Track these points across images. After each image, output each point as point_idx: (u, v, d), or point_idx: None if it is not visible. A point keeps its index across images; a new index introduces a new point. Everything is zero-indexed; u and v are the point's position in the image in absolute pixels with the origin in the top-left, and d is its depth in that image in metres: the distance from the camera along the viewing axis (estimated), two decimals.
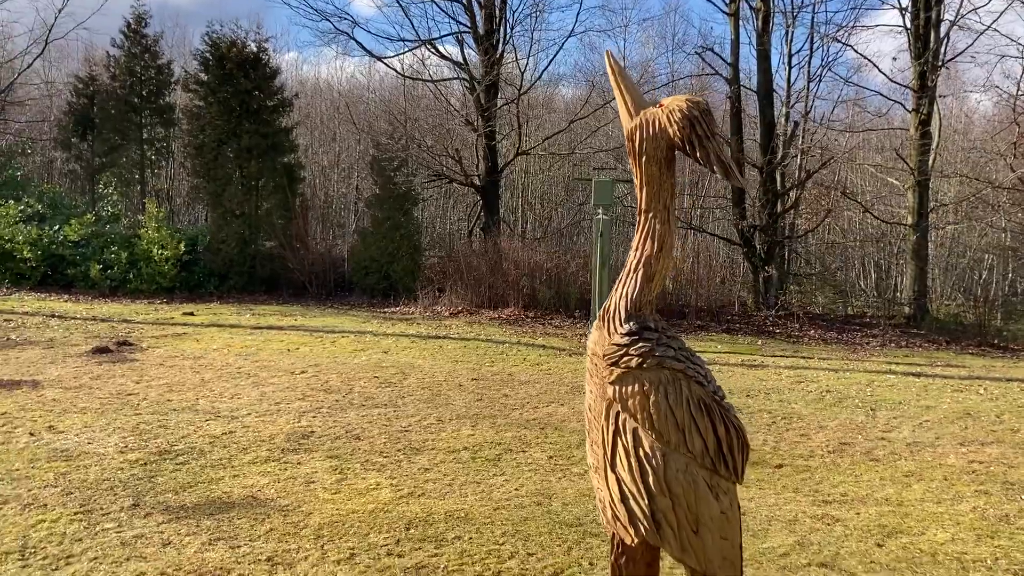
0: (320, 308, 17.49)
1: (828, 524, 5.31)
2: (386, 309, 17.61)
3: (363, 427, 7.47)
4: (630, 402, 2.25)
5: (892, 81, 20.31)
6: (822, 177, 20.99)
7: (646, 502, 2.18)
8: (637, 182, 2.35)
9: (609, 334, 2.29)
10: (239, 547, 4.58)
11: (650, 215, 2.33)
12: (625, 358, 2.23)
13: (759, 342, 15.59)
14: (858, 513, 5.55)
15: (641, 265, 2.31)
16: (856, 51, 37.57)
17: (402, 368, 10.58)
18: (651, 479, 2.17)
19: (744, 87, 20.79)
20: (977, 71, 60.10)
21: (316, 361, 10.81)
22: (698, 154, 2.24)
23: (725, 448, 2.20)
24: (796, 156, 20.32)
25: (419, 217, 22.22)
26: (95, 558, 4.36)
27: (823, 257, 23.77)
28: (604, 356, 2.26)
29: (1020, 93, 18.90)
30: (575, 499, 5.66)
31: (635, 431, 2.24)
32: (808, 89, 21.24)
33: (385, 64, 23.31)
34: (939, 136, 20.51)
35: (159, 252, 18.14)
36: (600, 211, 14.38)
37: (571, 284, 18.21)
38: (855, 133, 22.80)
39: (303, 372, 10.02)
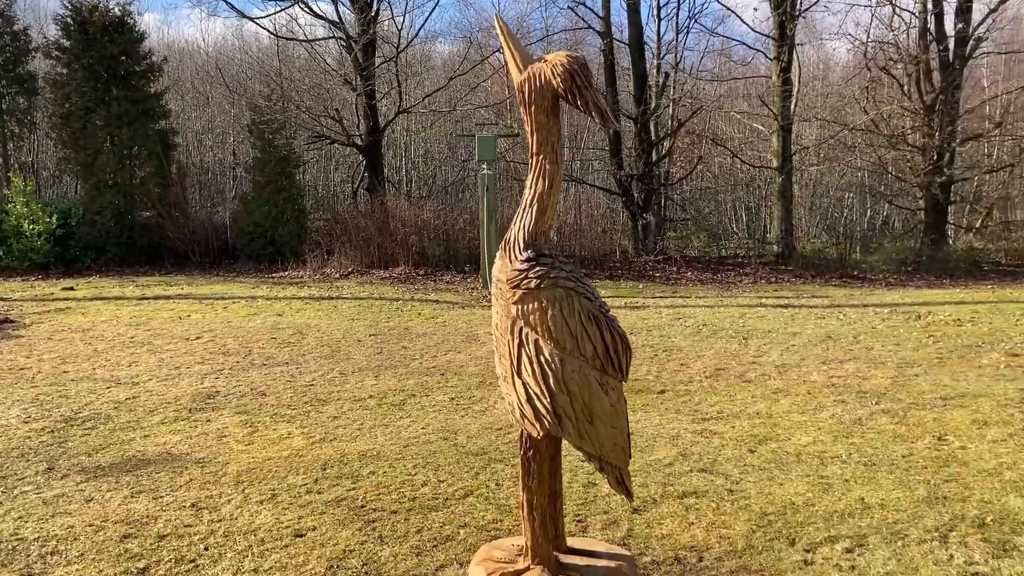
0: (206, 276, 17.27)
1: (706, 437, 5.90)
2: (275, 274, 17.54)
3: (267, 384, 7.66)
4: (531, 317, 2.62)
5: (754, 31, 21.34)
6: (693, 126, 21.90)
7: (548, 400, 2.57)
8: (528, 128, 2.70)
9: (510, 261, 2.65)
10: (162, 497, 4.78)
11: (541, 157, 2.69)
12: (525, 280, 2.60)
13: (640, 286, 16.37)
14: (733, 427, 6.17)
15: (535, 200, 2.68)
16: (720, 2, 38.88)
17: (299, 329, 10.73)
18: (551, 380, 2.56)
19: (617, 40, 21.41)
20: (832, 19, 62.94)
21: (210, 327, 10.83)
22: (579, 102, 2.61)
23: (612, 351, 2.62)
24: (668, 106, 21.14)
25: (301, 180, 22.00)
26: (20, 517, 4.49)
27: (697, 202, 24.85)
28: (507, 280, 2.62)
29: (870, 40, 20.20)
30: (478, 432, 6.06)
31: (536, 342, 2.62)
32: (677, 41, 22.04)
33: (256, 24, 22.80)
34: (799, 83, 21.72)
35: (30, 227, 17.45)
36: (484, 166, 14.72)
37: (459, 240, 18.54)
38: (722, 82, 23.83)
39: (198, 338, 10.05)
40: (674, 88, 21.40)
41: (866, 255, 20.32)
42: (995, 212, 23.76)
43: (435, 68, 27.72)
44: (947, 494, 4.68)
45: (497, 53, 24.24)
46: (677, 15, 21.79)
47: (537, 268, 2.60)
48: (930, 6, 20.16)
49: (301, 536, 4.24)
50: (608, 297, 14.25)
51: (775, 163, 21.25)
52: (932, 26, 20.14)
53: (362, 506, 4.63)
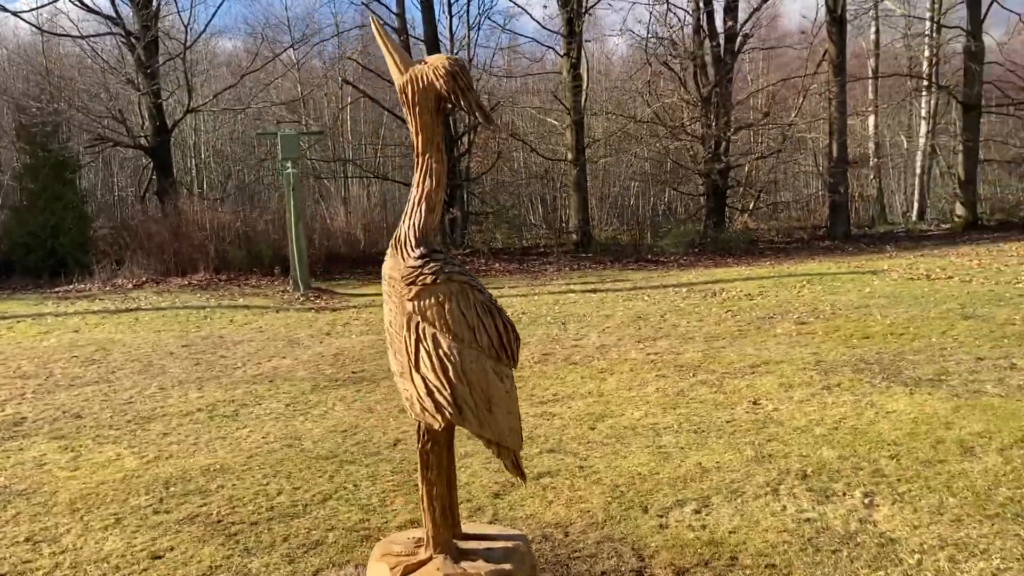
0: None
1: (548, 419, 6.16)
2: (59, 289, 16.18)
3: (80, 405, 7.14)
4: (428, 312, 2.69)
5: (544, 28, 22.08)
6: (497, 122, 22.38)
7: (448, 391, 2.65)
8: (413, 129, 2.76)
9: (403, 258, 2.70)
10: None
11: (427, 156, 2.75)
12: (421, 277, 2.66)
13: None
14: (569, 407, 6.47)
15: (424, 198, 2.74)
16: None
17: (101, 345, 10.05)
18: (451, 372, 2.64)
19: (412, 36, 21.49)
20: (614, 16, 66.11)
21: None
22: (462, 103, 2.71)
23: (504, 341, 2.73)
24: None
25: (81, 186, 20.43)
26: None
27: (498, 196, 25.45)
28: (403, 278, 2.67)
29: (649, 36, 21.50)
30: (323, 436, 5.98)
31: (434, 336, 2.69)
32: (469, 37, 22.45)
33: (19, 17, 20.90)
34: (588, 78, 22.74)
35: None
36: (289, 165, 14.36)
37: (263, 242, 17.96)
38: (516, 78, 24.51)
39: None
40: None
41: (656, 239, 21.67)
42: (763, 195, 26.05)
43: (225, 65, 26.57)
44: (771, 452, 5.18)
45: (291, 50, 23.67)
46: (467, 11, 22.19)
47: (432, 264, 2.67)
48: (702, 5, 21.76)
49: (160, 558, 4.04)
50: None
51: (569, 156, 22.18)
52: (705, 23, 21.75)
53: (218, 521, 4.48)
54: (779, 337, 8.72)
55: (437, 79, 2.65)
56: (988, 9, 23.93)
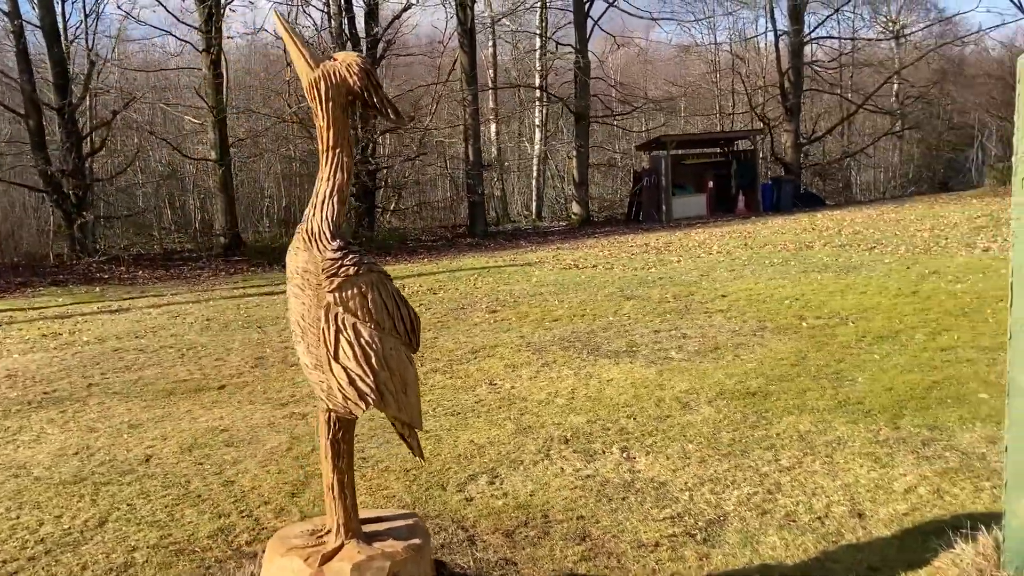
0: None
1: (301, 419, 6.14)
2: None
3: None
4: (351, 303, 2.71)
5: (181, 22, 20.89)
6: (132, 118, 20.70)
7: (371, 379, 2.71)
8: (323, 124, 2.74)
9: (320, 251, 2.70)
10: None
11: (338, 151, 2.75)
12: (343, 268, 2.69)
13: (97, 289, 15.17)
14: (315, 407, 6.47)
15: (336, 191, 2.75)
16: None
17: None
18: (373, 360, 2.71)
19: (29, 23, 19.11)
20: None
21: None
22: (374, 100, 2.77)
23: (414, 327, 2.88)
24: (96, 96, 19.63)
25: None
26: None
27: (137, 197, 23.56)
28: (324, 271, 2.69)
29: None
30: (53, 461, 5.38)
31: (355, 325, 2.72)
32: (87, 24, 20.53)
33: None
34: (229, 74, 21.92)
35: None
36: None
37: None
38: (154, 72, 22.84)
39: None
40: (98, 78, 19.93)
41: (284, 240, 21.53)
42: (407, 196, 27.14)
43: None
44: (529, 424, 5.72)
45: None
46: None
47: (351, 255, 2.71)
48: (343, 8, 22.07)
49: None
50: (72, 304, 13.01)
51: (214, 155, 21.25)
52: (347, 27, 22.10)
53: None
54: (480, 324, 9.39)
55: (351, 75, 2.72)
56: (592, 31, 27.27)
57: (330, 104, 2.71)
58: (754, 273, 11.96)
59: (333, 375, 2.71)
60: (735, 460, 4.90)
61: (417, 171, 26.42)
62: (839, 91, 33.94)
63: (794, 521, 4.13)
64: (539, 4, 30.35)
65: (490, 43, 32.48)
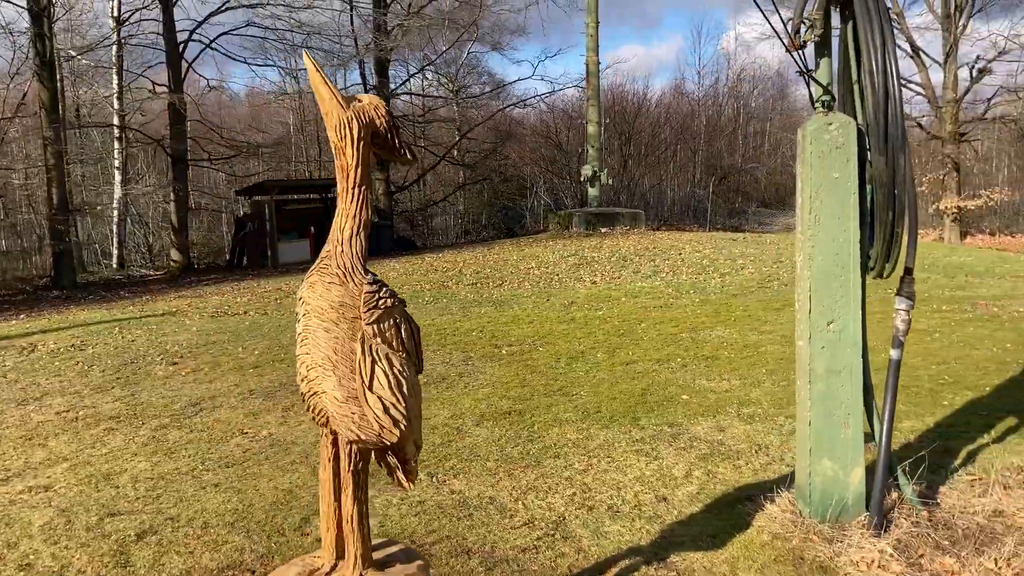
0: None
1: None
2: None
3: None
4: (388, 333, 2.74)
5: None
6: None
7: (403, 406, 2.76)
8: (352, 162, 2.72)
9: (357, 285, 2.72)
10: None
11: (364, 187, 2.75)
12: (381, 300, 2.73)
13: None
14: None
15: (363, 228, 2.76)
16: None
17: None
18: (404, 387, 2.77)
19: None
20: None
21: None
22: (395, 141, 2.86)
23: (420, 353, 3.02)
24: None
25: None
26: None
27: None
28: (364, 304, 2.71)
29: None
30: None
31: (388, 356, 2.73)
32: None
33: None
34: None
35: None
36: None
37: None
38: None
39: None
40: None
41: None
42: None
43: None
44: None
45: None
46: None
47: (384, 288, 2.77)
48: None
49: None
50: None
51: None
52: None
53: None
54: (177, 377, 8.78)
55: (378, 117, 2.82)
56: (186, 72, 26.23)
57: (361, 143, 2.79)
58: (417, 310, 12.69)
59: (368, 405, 2.77)
60: (537, 470, 5.49)
61: None
62: (423, 144, 36.60)
63: (619, 512, 4.83)
64: (115, 41, 28.35)
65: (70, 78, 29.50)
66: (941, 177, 32.39)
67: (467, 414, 6.80)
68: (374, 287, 2.80)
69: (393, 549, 3.19)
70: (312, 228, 27.87)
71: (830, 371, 4.28)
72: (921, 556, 3.94)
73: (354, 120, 2.79)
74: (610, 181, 31.66)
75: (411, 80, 36.23)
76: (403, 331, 2.87)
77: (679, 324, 10.38)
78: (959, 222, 31.55)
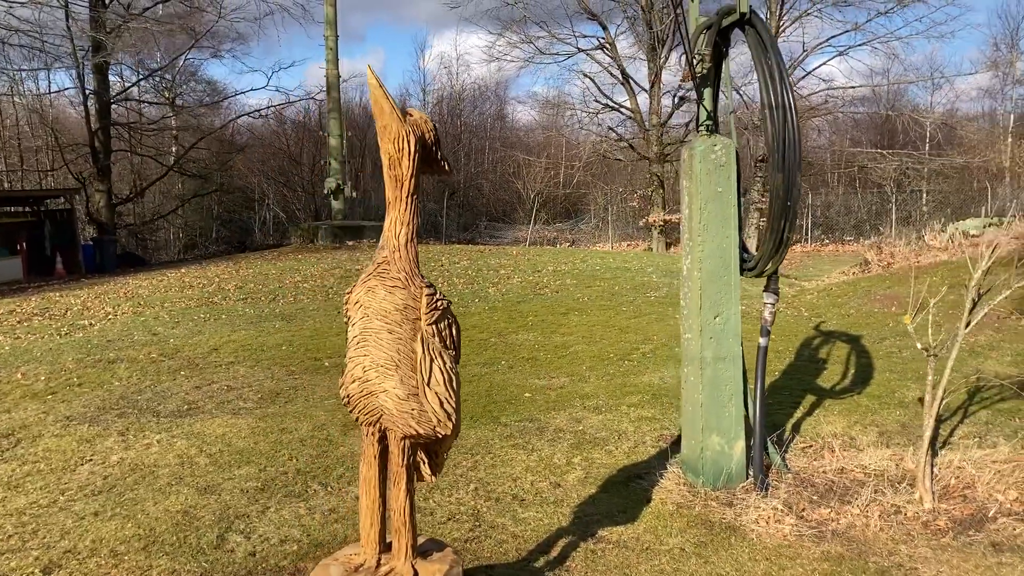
0: None
1: None
2: None
3: None
4: (443, 332, 2.88)
5: None
6: None
7: (454, 399, 2.92)
8: (407, 173, 2.81)
9: (418, 288, 2.86)
10: None
11: (415, 196, 2.88)
12: (439, 302, 2.90)
13: None
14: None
15: (415, 234, 2.90)
16: None
17: None
18: (454, 383, 2.91)
19: None
20: None
21: None
22: (439, 154, 3.01)
23: (459, 351, 3.23)
24: None
25: None
26: None
27: None
28: (427, 306, 2.87)
29: None
30: None
31: (441, 353, 2.88)
32: None
33: None
34: None
35: None
36: None
37: None
38: None
39: None
40: None
41: None
42: None
43: None
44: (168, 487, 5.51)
45: None
46: None
47: (438, 292, 2.95)
48: None
49: None
50: None
51: None
52: None
53: None
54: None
55: (427, 132, 3.00)
56: None
57: (416, 155, 2.97)
58: (222, 329, 12.08)
59: (427, 400, 2.96)
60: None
61: None
62: (153, 153, 34.30)
63: (524, 500, 5.22)
64: None
65: None
66: (649, 193, 35.99)
67: (328, 425, 6.82)
68: (431, 289, 3.00)
69: (422, 539, 3.35)
70: (24, 244, 25.13)
71: (717, 358, 4.98)
72: (803, 510, 4.73)
73: (411, 134, 2.97)
74: (354, 194, 31.62)
75: (136, 86, 33.75)
76: (454, 330, 3.09)
77: (484, 330, 10.91)
78: (664, 233, 35.18)
